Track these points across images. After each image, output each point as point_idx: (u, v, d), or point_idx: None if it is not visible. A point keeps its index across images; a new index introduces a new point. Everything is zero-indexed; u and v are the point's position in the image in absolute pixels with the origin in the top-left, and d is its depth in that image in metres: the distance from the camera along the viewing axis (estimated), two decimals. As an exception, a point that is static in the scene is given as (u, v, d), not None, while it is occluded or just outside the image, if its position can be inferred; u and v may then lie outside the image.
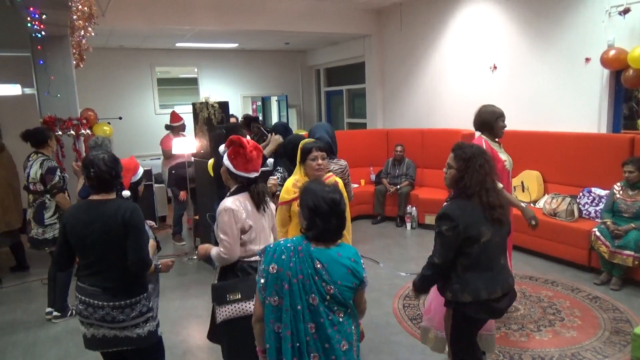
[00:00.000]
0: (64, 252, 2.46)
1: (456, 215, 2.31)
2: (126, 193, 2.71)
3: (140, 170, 2.93)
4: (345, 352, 1.91)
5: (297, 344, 1.86)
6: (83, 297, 2.39)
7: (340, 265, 1.88)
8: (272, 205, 2.83)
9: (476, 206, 2.34)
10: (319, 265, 1.86)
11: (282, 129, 4.40)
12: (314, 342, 1.87)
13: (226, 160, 2.57)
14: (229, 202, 2.51)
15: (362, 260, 1.98)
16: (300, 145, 3.02)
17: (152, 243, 2.72)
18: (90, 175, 2.38)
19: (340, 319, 1.90)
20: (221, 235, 2.49)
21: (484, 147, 3.46)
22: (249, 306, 2.46)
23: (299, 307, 1.85)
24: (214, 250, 2.54)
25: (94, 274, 2.39)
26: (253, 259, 2.58)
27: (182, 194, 6.18)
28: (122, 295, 2.39)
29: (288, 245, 1.92)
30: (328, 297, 1.86)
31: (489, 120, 3.59)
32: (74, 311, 2.44)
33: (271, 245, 2.00)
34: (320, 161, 2.91)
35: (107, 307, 2.37)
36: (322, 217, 1.88)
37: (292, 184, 2.92)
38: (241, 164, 2.53)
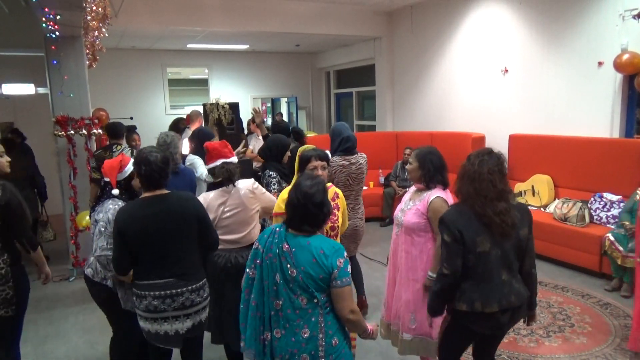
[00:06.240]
0: (124, 255, 2.39)
1: (450, 221, 2.25)
2: (115, 191, 2.69)
3: (128, 167, 2.78)
4: (307, 340, 1.95)
5: (258, 314, 2.02)
6: (156, 293, 2.38)
7: (307, 252, 1.96)
8: (261, 190, 3.00)
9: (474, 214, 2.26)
10: (286, 247, 1.98)
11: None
12: (277, 319, 1.98)
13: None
14: (201, 198, 2.83)
15: (343, 258, 1.97)
16: (298, 153, 2.91)
17: None
18: (141, 172, 2.43)
19: (303, 305, 1.95)
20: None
21: None
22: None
23: (265, 282, 2.00)
24: None
25: (164, 266, 2.41)
26: (230, 247, 2.86)
27: None
28: (194, 279, 2.48)
29: (274, 228, 2.10)
30: (290, 279, 1.95)
31: None
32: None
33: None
34: (320, 172, 2.78)
35: (187, 291, 2.43)
36: (292, 207, 2.03)
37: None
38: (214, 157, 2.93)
